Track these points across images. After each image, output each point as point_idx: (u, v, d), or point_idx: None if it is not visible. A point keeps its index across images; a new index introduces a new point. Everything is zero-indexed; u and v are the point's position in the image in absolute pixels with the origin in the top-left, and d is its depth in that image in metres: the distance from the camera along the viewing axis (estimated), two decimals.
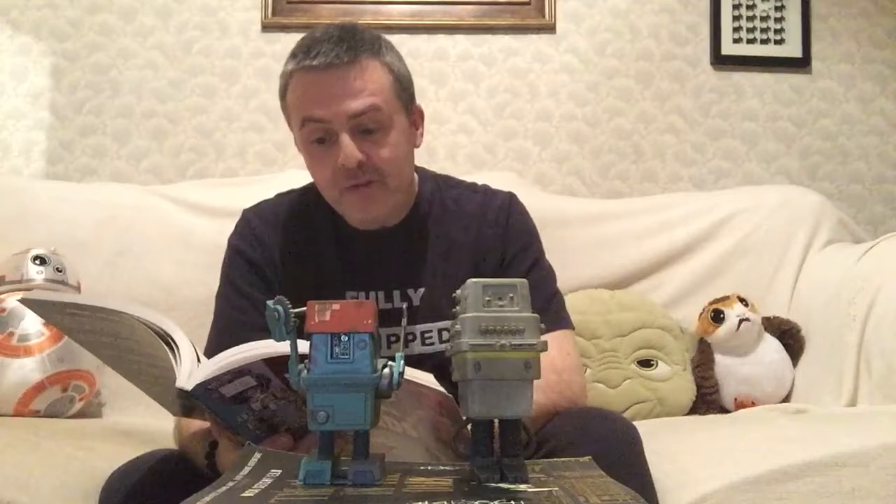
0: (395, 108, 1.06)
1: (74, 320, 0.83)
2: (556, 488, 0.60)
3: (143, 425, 1.35)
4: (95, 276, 1.61)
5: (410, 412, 0.78)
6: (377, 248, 1.12)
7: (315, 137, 1.04)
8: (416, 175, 1.17)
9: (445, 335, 1.09)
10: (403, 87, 1.08)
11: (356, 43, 1.02)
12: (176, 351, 0.76)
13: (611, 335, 1.62)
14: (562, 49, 2.07)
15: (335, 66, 1.01)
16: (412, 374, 0.72)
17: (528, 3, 2.05)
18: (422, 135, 1.15)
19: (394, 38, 1.15)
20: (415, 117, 1.13)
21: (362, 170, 1.03)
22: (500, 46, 2.06)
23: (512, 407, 0.60)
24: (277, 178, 1.72)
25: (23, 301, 0.85)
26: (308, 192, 1.19)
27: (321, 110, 1.01)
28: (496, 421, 0.63)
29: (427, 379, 0.75)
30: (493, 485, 0.61)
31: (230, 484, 0.61)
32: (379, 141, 1.04)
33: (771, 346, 1.61)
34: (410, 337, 1.09)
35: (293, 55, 1.04)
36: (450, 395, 0.75)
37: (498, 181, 1.32)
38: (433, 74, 2.03)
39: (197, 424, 0.96)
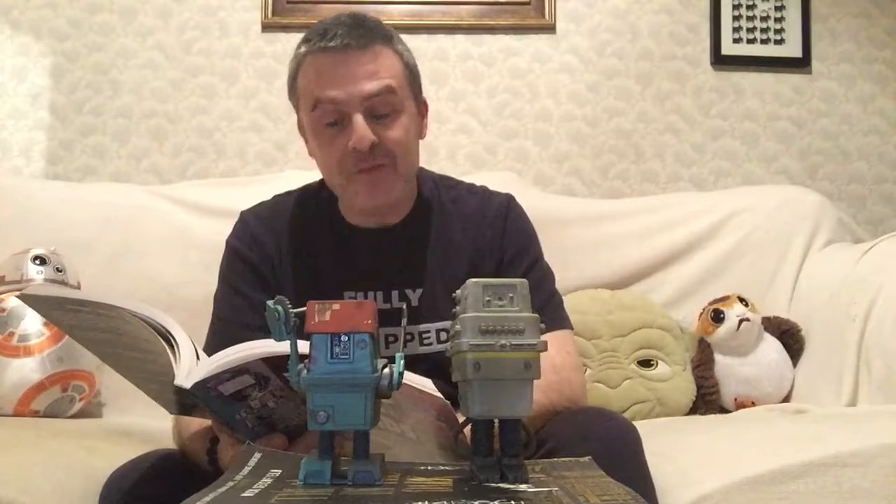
0: (406, 95, 1.08)
1: (73, 316, 0.83)
2: (556, 488, 0.60)
3: (143, 425, 1.35)
4: (95, 276, 1.61)
5: (409, 415, 0.78)
6: (376, 248, 1.12)
7: (326, 121, 1.04)
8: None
9: (443, 335, 1.09)
10: (413, 77, 1.10)
11: (370, 30, 1.04)
12: (175, 349, 0.76)
13: (611, 335, 1.62)
14: (562, 49, 2.07)
15: (352, 48, 1.02)
16: (411, 378, 0.72)
17: (528, 3, 2.05)
18: (426, 126, 1.16)
19: None
20: (421, 108, 1.14)
21: (373, 153, 1.03)
22: (500, 46, 2.06)
23: (512, 407, 0.60)
24: (277, 178, 1.72)
25: (21, 297, 0.84)
26: (306, 191, 1.19)
27: (336, 91, 1.02)
28: (496, 421, 0.63)
29: (425, 384, 0.75)
30: (493, 485, 0.61)
31: (230, 484, 0.61)
32: (390, 125, 1.05)
33: (771, 346, 1.61)
34: (409, 337, 1.09)
35: (307, 39, 1.05)
36: (447, 402, 0.75)
37: (498, 181, 1.33)
38: (433, 74, 2.03)
39: (197, 423, 0.96)
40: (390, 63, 1.05)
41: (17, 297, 0.90)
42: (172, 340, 0.77)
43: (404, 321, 0.72)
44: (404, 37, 1.13)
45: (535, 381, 0.61)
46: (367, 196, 1.07)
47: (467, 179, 1.25)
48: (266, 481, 0.62)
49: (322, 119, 1.04)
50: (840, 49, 2.10)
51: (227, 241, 1.16)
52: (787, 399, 1.59)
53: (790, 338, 1.62)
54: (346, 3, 2.01)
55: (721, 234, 1.79)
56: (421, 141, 1.14)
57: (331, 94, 1.02)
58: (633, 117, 2.07)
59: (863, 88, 2.10)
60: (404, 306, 1.00)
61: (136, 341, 0.80)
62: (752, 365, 1.59)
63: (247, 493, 0.58)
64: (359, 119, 1.02)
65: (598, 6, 2.08)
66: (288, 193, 1.21)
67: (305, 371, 0.61)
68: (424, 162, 1.16)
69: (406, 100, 1.07)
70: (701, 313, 1.65)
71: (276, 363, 0.73)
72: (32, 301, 0.87)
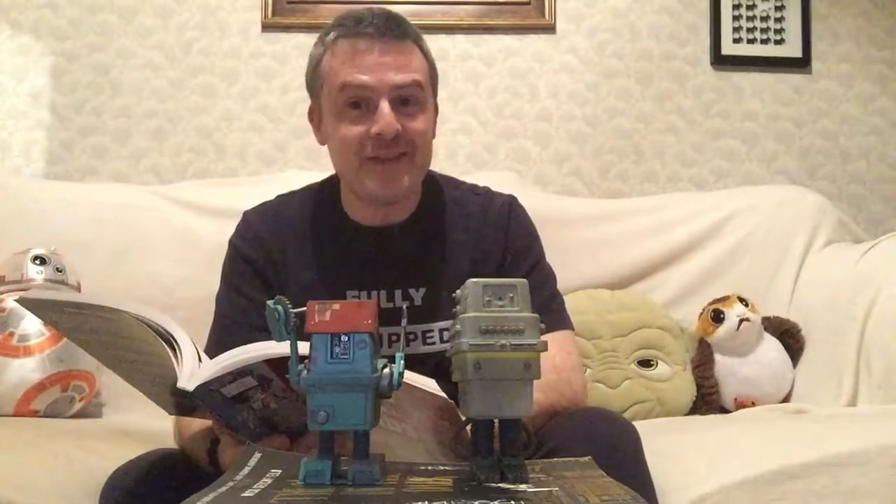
0: (429, 93, 1.10)
1: (72, 319, 0.82)
2: (556, 488, 0.60)
3: (143, 425, 1.35)
4: (95, 276, 1.61)
5: (411, 414, 0.78)
6: (379, 247, 1.12)
7: (351, 102, 1.05)
8: None
9: (446, 335, 1.09)
10: (434, 78, 1.13)
11: (402, 25, 1.07)
12: (177, 351, 0.76)
13: (611, 335, 1.62)
14: (562, 49, 2.07)
15: (386, 37, 1.04)
16: (413, 378, 0.72)
17: (528, 3, 2.05)
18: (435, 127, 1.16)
19: None
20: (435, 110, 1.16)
21: (395, 141, 1.04)
22: (500, 46, 2.06)
23: (512, 407, 0.60)
24: (277, 178, 1.72)
25: (20, 301, 0.84)
26: (309, 191, 1.20)
27: (367, 76, 1.03)
28: (496, 421, 0.63)
29: (428, 383, 0.75)
30: (493, 485, 0.61)
31: (230, 484, 0.61)
32: (414, 114, 1.07)
33: (771, 346, 1.61)
34: (411, 336, 1.09)
35: (339, 24, 1.07)
36: (450, 400, 0.75)
37: (498, 181, 1.33)
38: None
39: (198, 423, 0.96)
40: (419, 60, 1.08)
41: (16, 301, 0.89)
42: (174, 343, 0.77)
43: (404, 321, 0.72)
44: None
45: (536, 381, 0.61)
46: (377, 185, 1.07)
47: (468, 179, 1.25)
48: (266, 481, 0.62)
49: (346, 102, 1.05)
50: (840, 49, 2.10)
51: (230, 241, 1.16)
52: (787, 399, 1.59)
53: (790, 338, 1.62)
54: (346, 3, 2.01)
55: (721, 234, 1.79)
56: (434, 136, 1.15)
57: (362, 79, 1.03)
58: (633, 117, 2.07)
59: (863, 88, 2.10)
60: (404, 306, 1.00)
61: (137, 343, 0.80)
62: (752, 365, 1.59)
63: (247, 493, 0.58)
64: (385, 106, 1.03)
65: (598, 6, 2.08)
66: (291, 193, 1.21)
67: (305, 371, 0.61)
68: None
69: (429, 97, 1.10)
70: (701, 313, 1.65)
71: (279, 364, 0.73)
72: (31, 305, 0.86)
